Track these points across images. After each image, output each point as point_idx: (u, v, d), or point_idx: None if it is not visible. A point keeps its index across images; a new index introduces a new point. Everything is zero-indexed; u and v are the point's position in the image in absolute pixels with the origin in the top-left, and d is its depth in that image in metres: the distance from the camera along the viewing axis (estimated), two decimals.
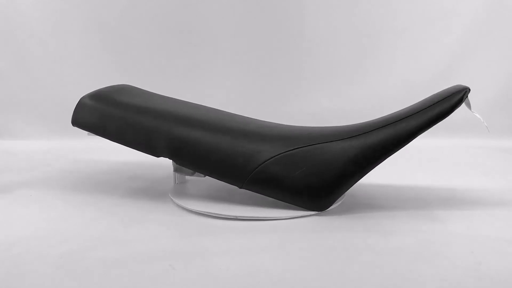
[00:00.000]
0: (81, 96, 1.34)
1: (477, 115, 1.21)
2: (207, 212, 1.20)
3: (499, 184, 1.50)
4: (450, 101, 1.15)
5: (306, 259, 0.96)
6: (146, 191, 1.42)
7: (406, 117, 1.16)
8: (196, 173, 1.30)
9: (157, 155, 1.25)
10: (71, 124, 1.34)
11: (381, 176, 1.55)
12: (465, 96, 1.16)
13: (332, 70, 2.33)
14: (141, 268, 0.92)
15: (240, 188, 1.21)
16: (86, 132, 1.35)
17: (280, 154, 1.18)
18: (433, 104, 1.15)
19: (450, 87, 1.21)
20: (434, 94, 1.23)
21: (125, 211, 1.24)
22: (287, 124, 1.45)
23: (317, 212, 1.20)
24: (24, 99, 2.29)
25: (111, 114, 1.27)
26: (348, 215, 1.21)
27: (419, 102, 1.24)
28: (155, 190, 1.42)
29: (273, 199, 1.24)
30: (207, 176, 1.29)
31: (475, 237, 1.06)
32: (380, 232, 1.09)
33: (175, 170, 1.36)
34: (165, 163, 1.46)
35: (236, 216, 1.17)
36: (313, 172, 1.17)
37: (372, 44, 2.31)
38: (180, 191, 1.36)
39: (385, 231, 1.10)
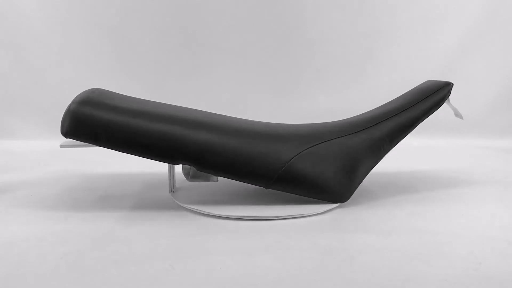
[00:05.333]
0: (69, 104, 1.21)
1: (452, 105, 1.37)
2: (208, 213, 1.20)
3: (499, 184, 1.50)
4: (441, 93, 1.33)
5: (306, 259, 0.96)
6: (146, 191, 1.42)
7: (406, 109, 1.31)
8: (211, 177, 1.27)
9: (175, 162, 1.21)
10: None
11: (381, 176, 1.55)
12: (451, 89, 1.34)
13: (332, 70, 2.33)
14: (141, 268, 0.92)
15: (267, 188, 1.21)
16: (63, 142, 1.28)
17: (302, 151, 1.21)
18: (427, 96, 1.32)
19: (429, 82, 1.39)
20: (419, 88, 1.38)
21: (125, 211, 1.24)
22: (286, 123, 1.45)
23: (339, 204, 1.25)
24: (24, 99, 2.29)
25: (116, 122, 1.16)
26: (348, 215, 1.21)
27: (408, 94, 1.37)
28: (155, 191, 1.42)
29: (274, 198, 1.25)
30: (210, 180, 1.29)
31: (475, 237, 1.06)
32: (380, 232, 1.10)
33: (192, 176, 1.30)
34: (164, 165, 1.45)
35: (277, 216, 1.17)
36: (336, 165, 1.22)
37: (372, 44, 2.31)
38: (181, 192, 1.36)
39: (385, 231, 1.10)
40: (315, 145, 1.23)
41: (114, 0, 2.26)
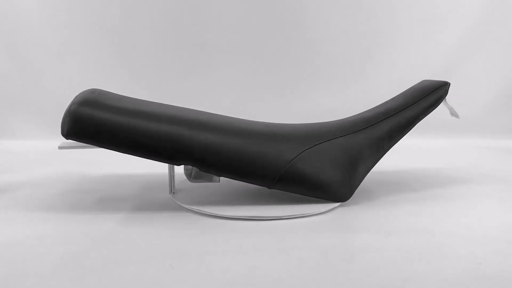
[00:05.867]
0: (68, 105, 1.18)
1: (449, 104, 1.40)
2: (209, 213, 1.20)
3: (499, 183, 1.50)
4: (438, 93, 1.35)
5: (306, 259, 0.96)
6: (146, 192, 1.42)
7: (405, 108, 1.32)
8: (213, 178, 1.27)
9: (178, 163, 1.20)
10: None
11: (381, 175, 1.55)
12: (448, 89, 1.36)
13: (332, 70, 2.33)
14: (141, 268, 0.92)
15: (270, 188, 1.22)
16: (62, 143, 1.27)
17: (303, 151, 1.22)
18: (425, 96, 1.34)
19: (425, 82, 1.41)
20: (416, 88, 1.39)
21: (125, 212, 1.24)
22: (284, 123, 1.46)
23: (340, 203, 1.25)
24: (24, 99, 2.29)
25: (118, 123, 1.15)
26: (348, 214, 1.21)
27: (406, 93, 1.39)
28: (154, 191, 1.42)
29: (274, 199, 1.25)
30: (212, 181, 1.29)
31: (475, 237, 1.06)
32: (380, 232, 1.10)
33: (194, 177, 1.30)
34: (163, 166, 1.45)
35: (281, 216, 1.17)
36: (337, 164, 1.23)
37: (372, 44, 2.31)
38: (181, 193, 1.35)
39: (385, 231, 1.10)
40: (316, 145, 1.24)
41: (115, 0, 2.26)
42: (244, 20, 2.30)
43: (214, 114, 1.39)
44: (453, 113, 1.40)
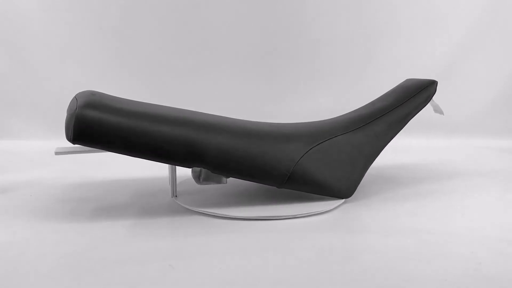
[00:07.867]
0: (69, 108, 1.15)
1: (434, 101, 1.44)
2: (211, 213, 1.20)
3: (500, 184, 1.50)
4: (429, 90, 1.41)
5: (306, 259, 0.96)
6: (147, 192, 1.42)
7: (399, 105, 1.37)
8: (222, 179, 1.25)
9: (188, 165, 1.18)
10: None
11: (381, 176, 1.55)
12: (436, 87, 1.42)
13: (332, 70, 2.33)
14: (141, 268, 0.92)
15: (279, 188, 1.23)
16: (57, 148, 1.25)
17: (310, 149, 1.24)
18: (417, 93, 1.39)
19: (412, 80, 1.45)
20: (406, 86, 1.43)
21: (125, 211, 1.24)
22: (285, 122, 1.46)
23: (345, 200, 1.28)
24: (24, 99, 2.29)
25: (128, 126, 1.11)
26: (348, 214, 1.21)
27: (397, 91, 1.43)
28: (156, 191, 1.42)
29: (276, 199, 1.25)
30: (221, 182, 1.28)
31: (475, 237, 1.06)
32: (380, 232, 1.10)
33: (204, 179, 1.26)
34: (162, 166, 1.45)
35: (295, 215, 1.18)
36: (341, 161, 1.27)
37: (372, 44, 2.31)
38: (182, 194, 1.35)
39: (385, 231, 1.10)
40: (320, 143, 1.26)
41: (115, 0, 2.26)
42: (245, 20, 2.30)
43: (221, 116, 1.38)
44: (438, 110, 1.45)
